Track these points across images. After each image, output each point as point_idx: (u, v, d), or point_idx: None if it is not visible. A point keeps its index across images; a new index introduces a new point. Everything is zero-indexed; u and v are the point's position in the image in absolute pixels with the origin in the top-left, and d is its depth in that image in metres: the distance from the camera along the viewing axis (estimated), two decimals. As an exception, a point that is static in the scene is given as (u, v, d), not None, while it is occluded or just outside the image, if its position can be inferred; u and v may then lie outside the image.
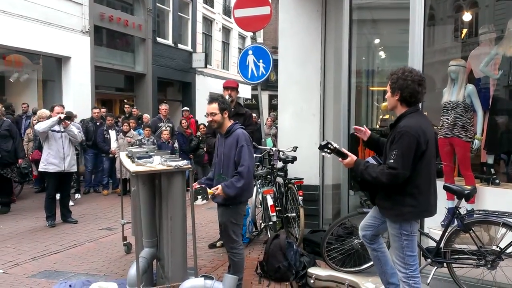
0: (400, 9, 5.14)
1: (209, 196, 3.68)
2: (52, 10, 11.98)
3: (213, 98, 3.92)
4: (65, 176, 6.85)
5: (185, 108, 11.28)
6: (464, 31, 6.79)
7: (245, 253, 4.52)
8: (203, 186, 3.72)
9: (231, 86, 5.57)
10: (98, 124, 9.82)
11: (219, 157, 3.98)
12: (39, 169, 6.97)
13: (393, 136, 3.02)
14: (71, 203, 7.70)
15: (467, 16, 6.62)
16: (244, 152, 3.75)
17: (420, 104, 3.24)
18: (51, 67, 12.73)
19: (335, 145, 3.17)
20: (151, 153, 4.11)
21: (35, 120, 9.17)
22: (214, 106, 3.83)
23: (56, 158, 6.60)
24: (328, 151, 3.16)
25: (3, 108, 10.24)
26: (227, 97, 5.29)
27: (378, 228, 3.41)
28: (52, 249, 5.57)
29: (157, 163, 3.71)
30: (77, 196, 8.92)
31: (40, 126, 6.52)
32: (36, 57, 12.34)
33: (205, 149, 9.54)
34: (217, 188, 3.71)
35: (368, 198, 3.44)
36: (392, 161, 2.93)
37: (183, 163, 3.64)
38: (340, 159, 3.21)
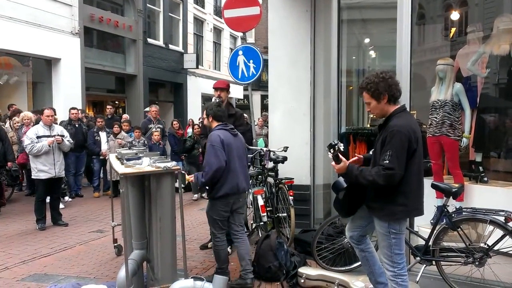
0: (389, 8, 5.14)
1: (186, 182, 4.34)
2: (41, 11, 11.92)
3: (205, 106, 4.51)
4: (55, 180, 6.80)
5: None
6: (454, 29, 6.82)
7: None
8: (183, 172, 4.30)
9: (220, 87, 5.51)
10: (77, 126, 9.23)
11: None
12: (32, 177, 6.93)
13: (385, 137, 3.00)
14: (61, 205, 7.65)
15: (456, 15, 6.65)
16: (207, 151, 4.11)
17: (407, 104, 3.25)
18: (41, 69, 12.66)
19: (342, 148, 3.07)
20: (140, 155, 4.10)
21: (18, 123, 9.05)
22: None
23: (46, 165, 6.57)
24: (332, 150, 3.06)
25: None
26: (216, 98, 5.32)
27: (365, 228, 3.40)
28: (42, 252, 5.53)
29: (146, 164, 3.71)
30: (67, 198, 8.85)
31: (32, 151, 6.47)
32: (26, 59, 12.27)
33: (200, 150, 9.51)
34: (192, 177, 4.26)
35: (344, 211, 3.41)
36: (387, 161, 2.91)
37: (171, 164, 3.64)
38: (333, 163, 3.16)
